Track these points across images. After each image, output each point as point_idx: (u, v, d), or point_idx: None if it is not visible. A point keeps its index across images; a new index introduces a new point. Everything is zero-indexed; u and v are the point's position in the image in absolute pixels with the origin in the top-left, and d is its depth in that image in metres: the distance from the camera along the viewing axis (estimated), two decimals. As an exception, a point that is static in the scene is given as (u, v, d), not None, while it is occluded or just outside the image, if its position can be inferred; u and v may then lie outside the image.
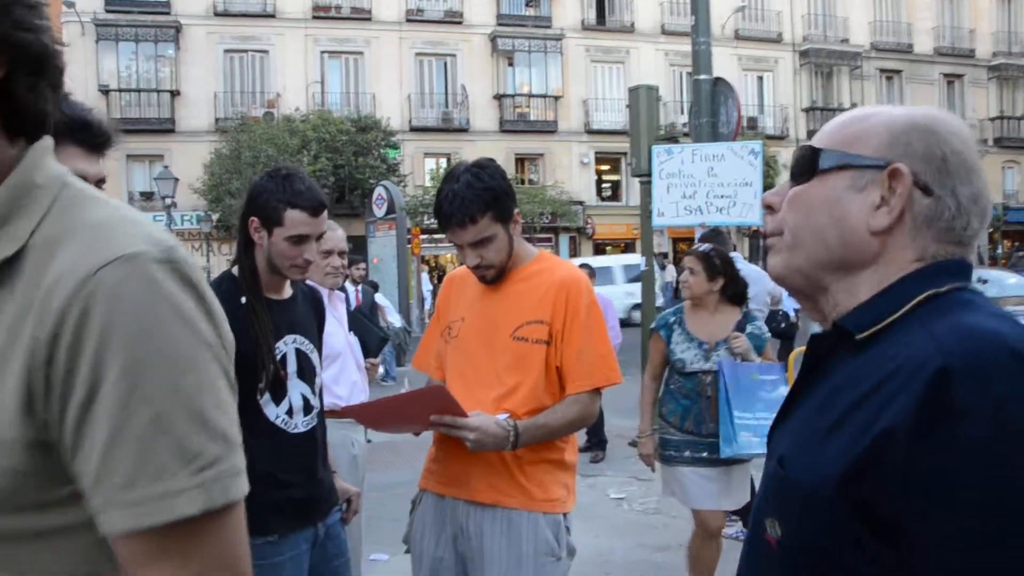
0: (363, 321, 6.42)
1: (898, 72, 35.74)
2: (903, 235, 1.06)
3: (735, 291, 4.31)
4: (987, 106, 36.12)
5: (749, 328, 4.27)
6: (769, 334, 4.41)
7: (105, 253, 0.87)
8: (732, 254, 6.46)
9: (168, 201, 22.69)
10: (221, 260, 26.29)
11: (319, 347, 2.58)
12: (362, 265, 10.91)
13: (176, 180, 22.95)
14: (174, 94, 28.07)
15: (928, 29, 36.06)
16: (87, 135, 1.59)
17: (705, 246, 4.41)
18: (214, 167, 25.14)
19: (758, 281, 6.36)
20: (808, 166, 1.12)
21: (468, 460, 2.44)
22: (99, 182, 1.64)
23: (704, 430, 4.12)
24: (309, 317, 2.60)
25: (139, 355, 0.86)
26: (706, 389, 4.16)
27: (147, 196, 26.75)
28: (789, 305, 11.74)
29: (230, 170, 24.14)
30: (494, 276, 2.52)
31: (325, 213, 2.47)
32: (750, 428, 3.97)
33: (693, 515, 4.33)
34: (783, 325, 11.36)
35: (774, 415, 1.19)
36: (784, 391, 4.02)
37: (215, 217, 25.65)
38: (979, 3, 36.95)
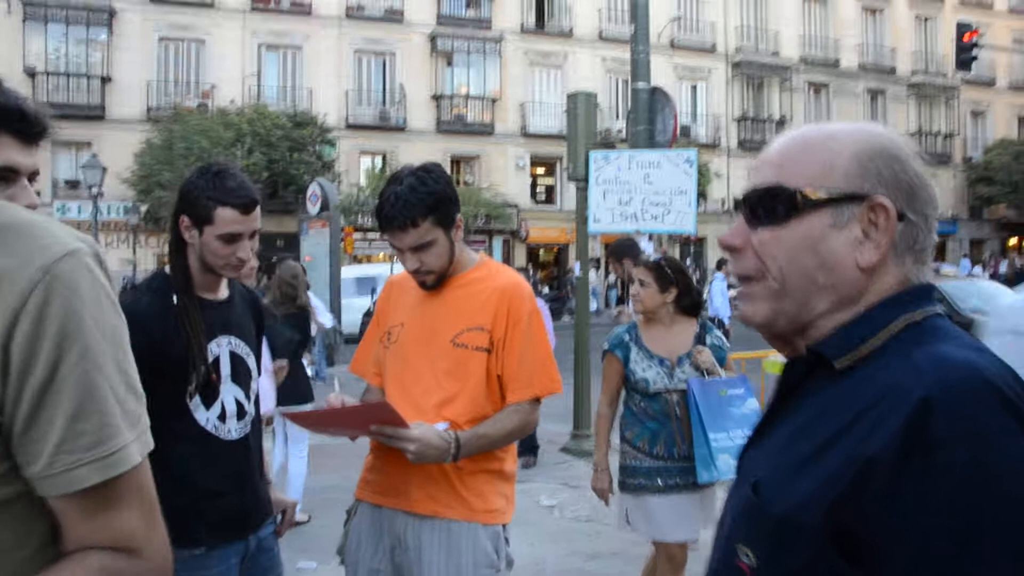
0: (270, 321, 6.27)
1: (825, 86, 36.68)
2: (889, 265, 1.06)
3: (690, 301, 4.02)
4: (907, 121, 37.26)
5: (709, 339, 3.98)
6: (728, 344, 4.16)
7: (53, 250, 1.01)
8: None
9: (95, 191, 22.04)
10: (148, 253, 25.65)
11: (256, 351, 2.51)
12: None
13: (104, 169, 22.30)
14: (105, 80, 27.27)
15: (853, 46, 37.11)
16: (22, 125, 1.52)
17: (655, 255, 4.14)
18: (145, 157, 24.50)
19: None
20: (782, 207, 1.07)
21: (406, 470, 2.40)
22: (32, 175, 1.57)
23: (676, 454, 3.81)
24: (247, 319, 2.54)
25: (93, 337, 1.01)
26: (674, 409, 3.83)
27: (72, 185, 25.95)
28: (724, 312, 12.05)
29: (161, 161, 23.57)
30: (434, 282, 2.50)
31: (258, 210, 2.40)
32: (728, 450, 3.67)
33: (656, 548, 4.01)
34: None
35: (747, 431, 1.18)
36: (753, 404, 3.82)
37: (143, 209, 25.00)
38: (900, 23, 38.20)
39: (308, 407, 6.15)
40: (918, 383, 0.92)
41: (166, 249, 2.48)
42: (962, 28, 18.73)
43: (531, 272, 29.21)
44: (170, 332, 2.27)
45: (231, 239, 2.33)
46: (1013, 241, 38.04)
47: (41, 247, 1.00)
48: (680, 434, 3.81)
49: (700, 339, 3.95)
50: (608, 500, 4.03)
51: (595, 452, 4.11)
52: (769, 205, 1.08)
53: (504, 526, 2.53)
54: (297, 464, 6.41)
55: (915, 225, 1.06)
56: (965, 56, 18.51)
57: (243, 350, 2.45)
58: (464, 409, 2.43)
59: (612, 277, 27.00)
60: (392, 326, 2.60)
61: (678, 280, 3.96)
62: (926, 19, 38.90)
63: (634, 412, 3.95)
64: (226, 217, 2.31)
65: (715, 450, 3.70)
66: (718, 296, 11.80)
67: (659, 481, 3.83)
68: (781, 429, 1.09)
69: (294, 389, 6.16)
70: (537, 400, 2.51)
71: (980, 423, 0.89)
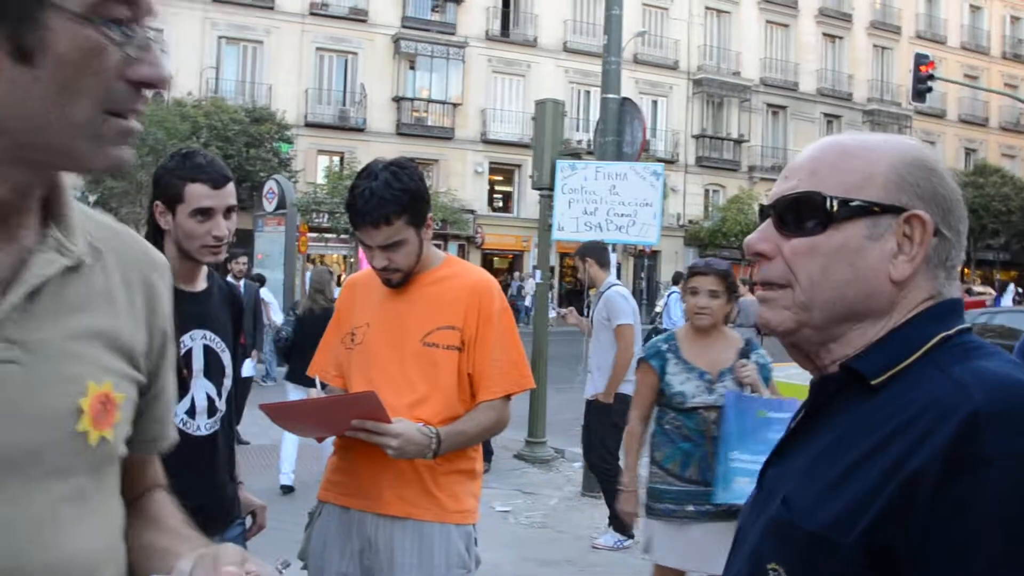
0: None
1: (784, 108, 37.31)
2: (920, 279, 1.04)
3: (729, 312, 3.69)
4: (862, 148, 38.06)
5: (753, 357, 3.62)
6: (772, 363, 3.79)
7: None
8: (611, 275, 6.53)
9: (41, 178, 21.48)
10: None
11: (232, 346, 2.43)
12: (243, 259, 10.53)
13: (52, 157, 21.76)
14: (54, 65, 26.64)
15: (812, 70, 37.83)
16: None
17: (723, 263, 3.76)
18: (95, 146, 23.95)
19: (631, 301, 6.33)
20: (818, 215, 1.04)
21: (377, 471, 2.36)
22: None
23: (711, 478, 3.45)
24: (224, 313, 2.46)
25: None
26: (711, 428, 3.47)
27: (18, 171, 25.27)
28: (681, 326, 12.13)
29: (112, 150, 23.05)
30: (400, 280, 2.45)
31: (231, 186, 2.35)
32: (749, 473, 3.26)
33: (655, 570, 3.63)
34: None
35: None
36: None
37: (92, 199, 24.44)
38: (857, 51, 39.10)
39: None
40: (965, 399, 0.89)
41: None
42: (919, 59, 19.12)
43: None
44: None
45: (204, 214, 2.28)
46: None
47: (147, 245, 1.18)
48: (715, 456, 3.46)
49: (745, 354, 3.61)
50: (635, 524, 3.70)
51: (624, 472, 3.73)
52: (804, 212, 1.06)
53: (474, 526, 2.50)
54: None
55: (948, 241, 1.04)
56: (921, 87, 18.88)
57: (218, 345, 2.38)
58: (437, 409, 2.39)
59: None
60: (356, 327, 2.54)
61: (736, 289, 3.66)
62: (883, 49, 39.84)
63: (666, 430, 3.59)
64: (196, 192, 2.28)
65: (733, 470, 3.38)
66: (675, 309, 11.87)
67: (691, 507, 3.49)
68: (810, 446, 1.06)
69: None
70: (508, 397, 2.49)
71: None
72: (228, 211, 2.33)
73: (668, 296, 12.39)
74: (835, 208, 1.03)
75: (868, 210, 1.03)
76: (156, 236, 2.30)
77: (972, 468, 0.86)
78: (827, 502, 0.95)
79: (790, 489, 1.03)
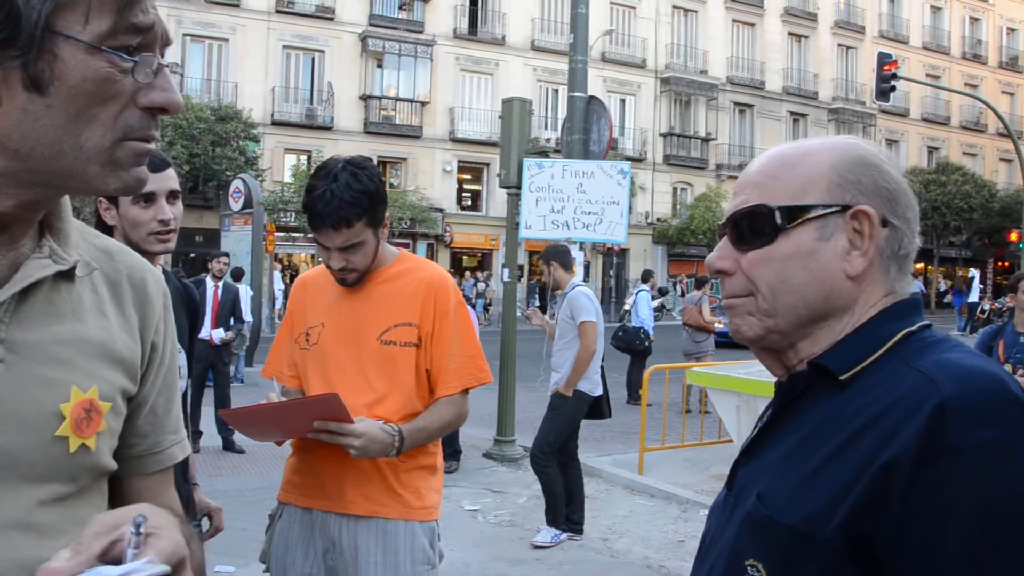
0: None
1: (750, 106, 37.62)
2: (876, 272, 1.07)
3: None
4: (827, 146, 38.52)
5: None
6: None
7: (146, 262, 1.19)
8: (576, 275, 6.51)
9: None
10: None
11: (188, 348, 2.40)
12: (224, 259, 10.36)
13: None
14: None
15: (778, 69, 38.19)
16: None
17: None
18: (56, 145, 23.61)
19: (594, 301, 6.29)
20: (767, 226, 1.08)
21: (339, 470, 2.34)
22: None
23: None
24: (179, 315, 2.42)
25: None
26: None
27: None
28: (649, 324, 12.19)
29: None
30: (355, 279, 2.43)
31: (171, 171, 2.32)
32: None
33: None
34: (647, 343, 11.71)
35: None
36: None
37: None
38: (822, 51, 39.56)
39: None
40: (934, 390, 0.91)
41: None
42: (883, 59, 19.31)
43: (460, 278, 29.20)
44: None
45: (146, 199, 2.26)
46: (919, 266, 39.63)
47: (141, 260, 1.16)
48: None
49: None
50: None
51: None
52: (754, 225, 1.09)
53: (437, 521, 2.51)
54: None
55: (899, 230, 1.07)
56: (885, 86, 19.06)
57: None
58: (396, 407, 2.37)
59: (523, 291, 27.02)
60: (310, 326, 2.51)
61: None
62: (848, 48, 40.32)
63: None
64: None
65: None
66: (644, 308, 11.90)
67: None
68: (781, 443, 1.08)
69: None
70: (467, 391, 2.49)
71: (1000, 432, 0.88)
72: (171, 196, 2.30)
73: (636, 294, 12.42)
74: (783, 216, 1.07)
75: (814, 214, 1.06)
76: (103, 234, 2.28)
77: (939, 459, 0.87)
78: (803, 496, 0.97)
79: (764, 485, 1.04)
